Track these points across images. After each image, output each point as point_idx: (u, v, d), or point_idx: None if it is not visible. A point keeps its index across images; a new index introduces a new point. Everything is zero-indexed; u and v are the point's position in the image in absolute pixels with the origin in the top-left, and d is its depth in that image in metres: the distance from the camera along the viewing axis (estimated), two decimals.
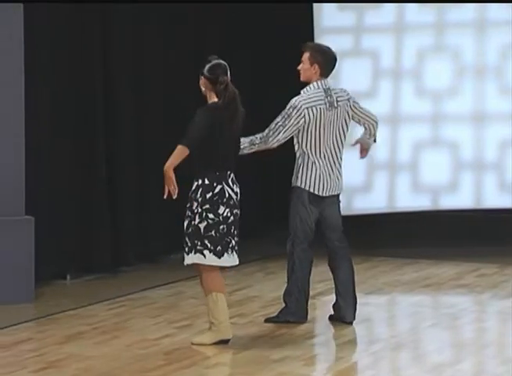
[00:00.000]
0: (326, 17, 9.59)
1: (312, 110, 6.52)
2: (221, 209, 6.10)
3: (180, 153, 6.06)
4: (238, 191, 6.23)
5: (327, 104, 6.58)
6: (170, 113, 9.29)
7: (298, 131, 6.55)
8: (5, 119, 7.51)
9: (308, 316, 7.09)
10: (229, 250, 6.15)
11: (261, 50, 10.26)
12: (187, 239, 6.14)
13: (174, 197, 6.05)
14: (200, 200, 6.09)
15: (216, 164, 6.11)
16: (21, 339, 6.42)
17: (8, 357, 6.02)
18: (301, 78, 6.68)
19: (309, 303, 7.47)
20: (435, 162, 9.55)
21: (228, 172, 6.17)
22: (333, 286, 6.84)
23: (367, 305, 7.44)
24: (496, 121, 9.46)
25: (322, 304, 7.61)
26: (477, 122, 9.48)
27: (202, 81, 6.19)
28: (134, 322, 6.91)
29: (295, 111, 6.49)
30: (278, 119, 6.54)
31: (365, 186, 9.64)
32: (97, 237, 8.63)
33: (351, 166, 9.55)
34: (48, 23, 8.21)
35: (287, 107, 6.53)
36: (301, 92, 6.65)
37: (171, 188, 6.02)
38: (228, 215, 6.13)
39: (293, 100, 6.55)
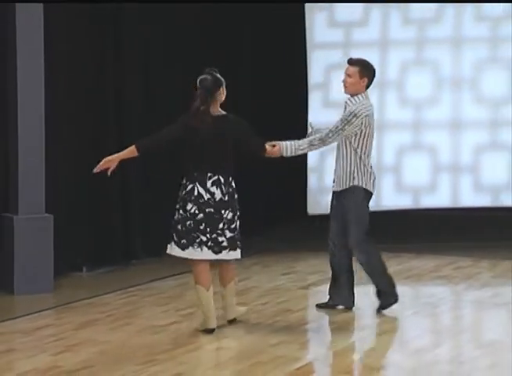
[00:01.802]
0: (317, 33, 9.59)
1: (368, 118, 6.58)
2: (189, 206, 6.12)
3: (130, 151, 6.39)
4: (217, 192, 6.15)
5: (373, 112, 6.69)
6: (178, 113, 9.27)
7: (354, 136, 6.56)
8: (27, 121, 7.46)
9: (302, 305, 7.12)
10: (195, 244, 6.12)
11: (257, 64, 10.25)
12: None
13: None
14: (179, 197, 6.20)
15: (193, 166, 6.16)
16: (41, 325, 6.43)
17: (29, 342, 6.03)
18: (347, 91, 6.65)
19: (302, 293, 7.52)
20: (416, 165, 9.56)
21: (209, 174, 6.14)
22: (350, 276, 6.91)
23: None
24: (471, 128, 9.49)
25: (314, 293, 7.63)
26: (454, 129, 9.50)
27: None
28: (143, 310, 6.92)
29: (355, 118, 6.51)
30: (338, 123, 6.53)
31: None
32: (110, 234, 8.63)
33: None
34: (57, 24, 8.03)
35: (347, 114, 6.52)
36: (352, 101, 6.61)
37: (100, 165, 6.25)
38: (197, 212, 6.11)
39: (355, 108, 6.53)
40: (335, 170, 6.76)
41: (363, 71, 6.63)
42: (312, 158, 9.61)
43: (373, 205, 9.60)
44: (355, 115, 6.51)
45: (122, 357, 5.64)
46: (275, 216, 10.46)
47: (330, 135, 6.53)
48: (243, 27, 10.02)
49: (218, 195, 6.15)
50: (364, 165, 6.64)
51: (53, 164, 7.89)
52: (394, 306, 7.18)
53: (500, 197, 9.47)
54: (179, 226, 6.15)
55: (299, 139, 10.29)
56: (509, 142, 9.38)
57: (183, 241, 6.13)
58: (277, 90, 10.37)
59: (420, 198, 9.60)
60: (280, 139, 10.25)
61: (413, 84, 9.47)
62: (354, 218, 6.64)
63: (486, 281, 7.88)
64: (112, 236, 8.65)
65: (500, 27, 9.37)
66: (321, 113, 9.59)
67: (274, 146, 6.54)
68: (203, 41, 9.49)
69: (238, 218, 6.28)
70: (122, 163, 8.74)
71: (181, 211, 6.16)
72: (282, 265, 8.68)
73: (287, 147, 6.54)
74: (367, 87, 6.69)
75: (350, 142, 6.59)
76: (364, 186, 6.65)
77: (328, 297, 6.91)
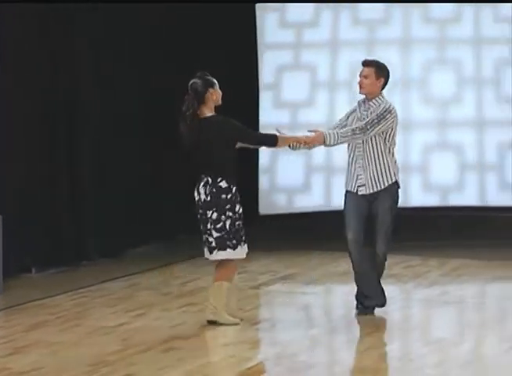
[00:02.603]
0: (268, 34, 9.62)
1: (397, 115, 6.60)
2: (196, 208, 6.35)
3: None
4: (202, 193, 6.27)
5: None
6: (130, 114, 9.25)
7: (386, 133, 6.51)
8: None
9: (253, 304, 7.13)
10: (203, 245, 6.36)
11: (208, 64, 10.22)
12: None
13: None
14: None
15: (196, 170, 6.33)
16: None
17: None
18: (364, 91, 6.58)
19: (253, 293, 7.52)
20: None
21: (202, 176, 6.30)
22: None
23: (306, 294, 7.48)
24: (419, 128, 9.58)
25: (265, 293, 7.64)
26: (405, 130, 9.58)
27: None
28: (94, 311, 6.87)
29: (389, 115, 6.48)
30: (374, 117, 6.45)
31: (303, 186, 9.68)
32: (60, 234, 8.56)
33: (291, 167, 9.67)
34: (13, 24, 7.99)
35: (382, 110, 6.46)
36: (377, 101, 6.54)
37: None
38: (197, 214, 6.35)
39: (388, 106, 6.51)
40: (359, 173, 6.56)
41: (379, 72, 6.57)
42: (264, 159, 9.64)
43: (323, 204, 9.76)
44: (390, 112, 6.48)
45: (72, 359, 5.60)
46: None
47: (369, 127, 6.43)
48: (194, 26, 10.00)
49: (203, 196, 6.27)
50: (395, 161, 6.61)
51: (1, 164, 7.80)
52: (345, 305, 7.25)
53: (449, 197, 9.58)
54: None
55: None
56: (456, 143, 9.48)
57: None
58: (228, 90, 10.35)
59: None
60: None
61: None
62: (390, 218, 6.61)
63: (435, 279, 7.96)
64: (62, 236, 8.57)
65: (447, 29, 9.49)
66: (272, 113, 9.63)
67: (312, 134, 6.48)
68: (155, 41, 9.46)
69: (228, 217, 6.25)
70: (73, 161, 8.78)
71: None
72: None
73: (330, 135, 6.44)
74: (383, 87, 6.61)
75: (383, 140, 6.51)
76: (397, 179, 6.62)
77: (358, 302, 6.76)
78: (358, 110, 6.63)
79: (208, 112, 6.29)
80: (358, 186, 6.58)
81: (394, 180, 6.57)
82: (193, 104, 6.23)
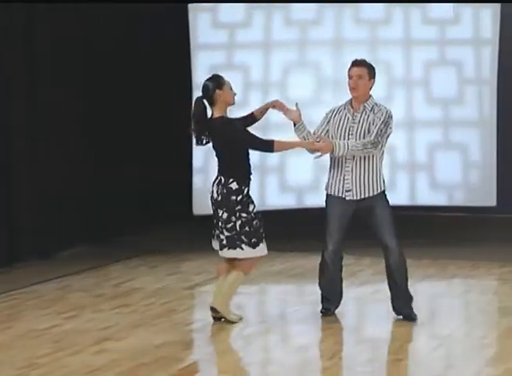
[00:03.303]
0: (200, 34, 9.59)
1: None
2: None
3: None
4: (215, 191, 6.38)
5: None
6: (68, 113, 9.15)
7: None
8: None
9: (187, 305, 7.09)
10: (212, 235, 6.55)
11: (141, 64, 10.17)
12: None
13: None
14: None
15: None
16: None
17: None
18: (357, 93, 6.28)
19: (187, 293, 7.49)
20: (301, 165, 9.63)
21: (218, 174, 6.43)
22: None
23: (240, 294, 7.44)
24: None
25: (200, 294, 7.61)
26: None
27: None
28: (25, 313, 6.77)
29: (391, 120, 6.30)
30: (381, 127, 6.23)
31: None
32: None
33: None
34: None
35: (386, 117, 6.24)
36: (369, 104, 6.30)
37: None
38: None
39: (388, 110, 6.29)
40: (347, 177, 6.33)
41: (371, 72, 6.33)
42: (198, 159, 9.60)
43: (259, 205, 9.75)
44: (391, 117, 6.28)
45: (3, 361, 5.51)
46: (161, 216, 10.41)
47: (380, 139, 6.20)
48: (127, 27, 9.93)
49: (215, 194, 6.36)
50: (381, 167, 6.39)
51: None
52: (279, 304, 7.27)
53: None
54: None
55: (187, 136, 10.29)
56: (388, 144, 9.57)
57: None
58: (161, 90, 10.33)
59: (304, 197, 9.71)
60: (168, 137, 10.33)
61: (296, 85, 9.57)
62: (389, 218, 6.35)
63: (367, 278, 8.03)
64: None
65: (378, 30, 9.57)
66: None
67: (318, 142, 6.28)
68: (85, 41, 9.37)
69: (240, 218, 6.30)
70: (7, 162, 8.63)
71: None
72: (168, 265, 8.64)
73: (340, 146, 6.17)
74: (370, 89, 6.38)
75: (381, 146, 6.30)
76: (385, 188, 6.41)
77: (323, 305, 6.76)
78: (347, 114, 6.33)
79: (218, 113, 6.35)
80: (346, 191, 6.35)
81: (383, 189, 6.37)
82: (200, 106, 6.32)
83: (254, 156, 9.56)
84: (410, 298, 6.50)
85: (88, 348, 5.79)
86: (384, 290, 7.42)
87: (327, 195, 6.49)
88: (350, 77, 6.33)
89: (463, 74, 9.59)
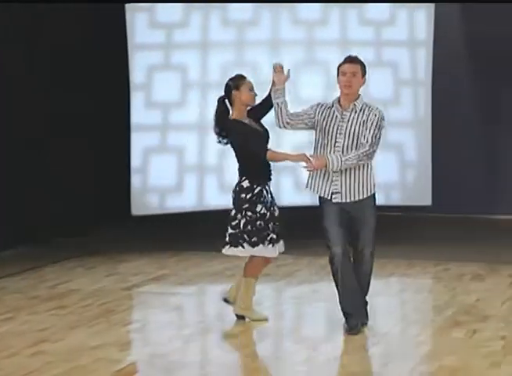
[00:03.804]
0: (138, 34, 9.52)
1: None
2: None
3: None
4: (233, 190, 6.42)
5: None
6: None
7: None
8: None
9: (125, 306, 7.04)
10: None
11: (78, 64, 10.06)
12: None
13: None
14: None
15: None
16: None
17: None
18: (350, 90, 5.97)
19: (125, 294, 7.42)
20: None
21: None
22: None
23: (178, 294, 7.43)
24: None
25: (138, 294, 7.55)
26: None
27: None
28: None
29: (384, 121, 6.05)
30: (375, 132, 5.96)
31: (176, 187, 9.64)
32: None
33: (163, 168, 9.60)
34: None
35: (379, 119, 5.97)
36: (358, 103, 6.02)
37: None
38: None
39: (380, 111, 6.01)
40: (335, 179, 6.04)
41: (363, 69, 6.05)
42: (135, 158, 9.54)
43: (196, 205, 9.75)
44: (383, 118, 6.03)
45: None
46: (98, 217, 10.32)
47: (375, 147, 5.95)
48: (64, 26, 9.82)
49: (232, 193, 6.39)
50: (372, 167, 6.15)
51: None
52: (217, 305, 7.25)
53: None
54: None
55: (122, 135, 10.17)
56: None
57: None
58: (99, 90, 10.23)
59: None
60: (106, 137, 10.23)
61: None
62: (373, 226, 6.13)
63: (305, 278, 8.06)
64: None
65: (315, 30, 9.62)
66: (143, 113, 9.54)
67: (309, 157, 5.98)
68: (26, 40, 9.24)
69: (245, 217, 6.28)
70: None
71: None
72: (105, 266, 8.56)
73: (334, 160, 5.89)
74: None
75: None
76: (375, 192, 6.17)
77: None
78: (336, 112, 6.04)
79: (235, 113, 6.36)
80: (333, 193, 6.07)
81: (373, 192, 6.12)
82: (219, 105, 6.40)
83: (193, 156, 9.64)
84: (365, 305, 6.30)
85: (24, 351, 5.70)
86: (322, 289, 7.48)
87: (320, 197, 6.14)
88: (343, 73, 5.98)
89: (399, 75, 9.69)
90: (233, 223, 6.33)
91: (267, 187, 6.34)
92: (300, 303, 7.20)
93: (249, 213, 6.29)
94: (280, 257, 8.86)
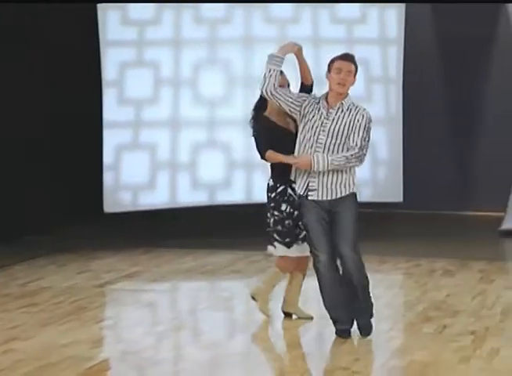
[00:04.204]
0: (110, 31, 9.46)
1: None
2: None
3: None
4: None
5: None
6: None
7: None
8: None
9: (97, 303, 6.98)
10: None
11: (50, 62, 9.98)
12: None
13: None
14: None
15: None
16: None
17: None
18: (344, 89, 5.76)
19: (98, 291, 7.36)
20: (212, 162, 9.62)
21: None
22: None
23: (151, 291, 7.39)
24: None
25: (110, 291, 7.49)
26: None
27: None
28: None
29: (371, 123, 5.84)
30: (363, 135, 5.74)
31: (149, 184, 9.59)
32: None
33: (136, 165, 9.55)
34: None
35: (366, 120, 5.74)
36: (353, 104, 5.82)
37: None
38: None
39: (368, 113, 5.79)
40: (312, 176, 5.78)
41: (357, 70, 5.84)
42: (108, 156, 9.48)
43: (169, 202, 9.70)
44: (371, 120, 5.82)
45: None
46: (70, 214, 10.23)
47: (364, 150, 5.73)
48: (35, 25, 9.74)
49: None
50: (355, 171, 5.91)
51: None
52: (190, 301, 7.22)
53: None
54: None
55: (94, 132, 10.07)
56: (224, 143, 9.58)
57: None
58: (71, 87, 10.16)
59: (215, 194, 9.67)
60: (78, 134, 10.15)
61: (205, 82, 9.53)
62: (354, 226, 5.80)
63: None
64: None
65: (287, 28, 9.61)
66: (116, 110, 9.49)
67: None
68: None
69: (273, 216, 6.18)
70: None
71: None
72: (77, 264, 8.49)
73: (319, 161, 5.68)
74: None
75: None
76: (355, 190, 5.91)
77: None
78: (322, 109, 5.78)
79: (269, 110, 6.18)
80: (309, 190, 5.81)
81: (353, 190, 5.83)
82: (258, 100, 6.19)
83: (165, 153, 9.59)
84: (370, 308, 5.95)
85: None
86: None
87: (299, 196, 5.87)
88: (338, 71, 5.73)
89: (371, 72, 9.69)
90: (268, 222, 6.23)
91: (293, 185, 5.98)
92: (271, 299, 7.16)
93: (275, 212, 6.16)
94: (252, 253, 8.93)
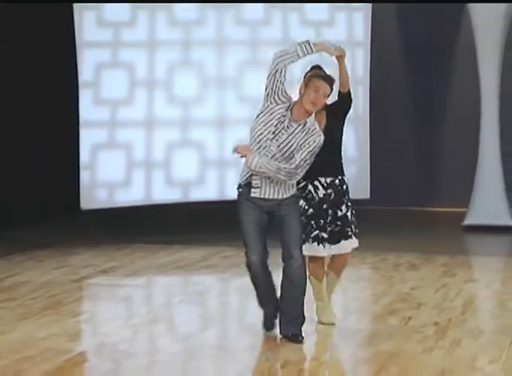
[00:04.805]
0: (86, 32, 9.42)
1: None
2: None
3: None
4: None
5: None
6: None
7: None
8: None
9: (74, 297, 6.96)
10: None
11: (26, 62, 9.92)
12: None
13: None
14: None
15: None
16: None
17: None
18: (314, 110, 5.52)
19: (75, 286, 7.34)
20: (185, 160, 9.62)
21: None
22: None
23: (127, 286, 7.37)
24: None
25: (86, 286, 7.47)
26: (220, 125, 9.64)
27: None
28: None
29: (318, 149, 5.60)
30: (306, 156, 5.50)
31: (124, 182, 9.57)
32: None
33: (112, 163, 9.53)
34: None
35: (316, 145, 5.49)
36: (313, 124, 5.58)
37: None
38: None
39: (321, 139, 5.52)
40: (256, 174, 5.53)
41: (330, 94, 5.60)
42: (84, 154, 9.45)
43: (143, 199, 9.68)
44: (320, 146, 5.52)
45: None
46: (48, 211, 10.19)
47: (299, 170, 5.48)
48: (11, 25, 9.68)
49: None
50: None
51: None
52: (164, 295, 7.22)
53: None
54: None
55: (71, 132, 10.02)
56: (198, 141, 9.59)
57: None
58: (48, 88, 10.11)
59: (189, 192, 9.67)
60: (55, 133, 10.10)
61: (179, 83, 9.53)
62: (301, 229, 5.66)
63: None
64: None
65: (259, 30, 9.62)
66: (92, 110, 9.46)
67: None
68: None
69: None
70: None
71: None
72: (54, 259, 8.45)
73: (254, 161, 5.45)
74: None
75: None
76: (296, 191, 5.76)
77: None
78: (285, 118, 5.50)
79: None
80: (252, 187, 5.56)
81: (294, 192, 5.65)
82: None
83: (140, 151, 9.57)
84: (301, 318, 5.66)
85: None
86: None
87: (239, 191, 5.62)
88: (316, 89, 5.47)
89: (337, 73, 9.69)
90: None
91: (316, 183, 5.77)
92: (245, 294, 7.18)
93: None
94: (225, 249, 8.94)
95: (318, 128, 5.57)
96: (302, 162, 5.47)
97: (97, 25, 9.44)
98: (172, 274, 7.90)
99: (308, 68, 5.81)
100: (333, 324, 5.97)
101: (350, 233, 5.93)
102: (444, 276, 7.64)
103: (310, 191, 5.83)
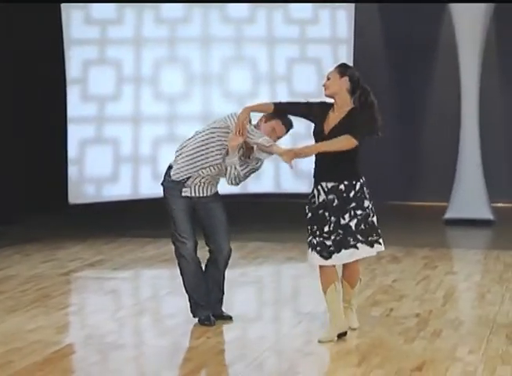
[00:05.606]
0: (73, 30, 9.38)
1: None
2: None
3: (267, 106, 5.67)
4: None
5: None
6: None
7: None
8: None
9: (62, 290, 6.92)
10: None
11: (15, 60, 9.86)
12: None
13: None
14: (368, 196, 5.56)
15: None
16: None
17: None
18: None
19: (62, 279, 7.30)
20: (172, 155, 9.52)
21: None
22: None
23: (114, 279, 7.35)
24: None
25: (74, 279, 7.44)
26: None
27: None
28: None
29: None
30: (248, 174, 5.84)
31: (112, 177, 9.53)
32: None
33: (99, 158, 9.50)
34: None
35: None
36: None
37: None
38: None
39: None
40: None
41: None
42: (72, 150, 9.41)
43: (131, 194, 9.65)
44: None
45: None
46: (36, 205, 10.14)
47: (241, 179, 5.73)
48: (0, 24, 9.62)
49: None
50: None
51: None
52: (151, 287, 7.20)
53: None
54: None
55: (59, 128, 9.95)
56: (184, 135, 9.54)
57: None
58: (36, 84, 10.05)
59: None
60: (43, 128, 10.05)
61: (165, 79, 9.50)
62: (226, 222, 5.80)
63: (235, 262, 7.98)
64: None
65: (244, 28, 9.60)
66: (79, 106, 9.42)
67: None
68: None
69: (355, 216, 5.51)
70: None
71: None
72: (42, 253, 8.42)
73: (231, 159, 5.64)
74: None
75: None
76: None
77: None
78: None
79: None
80: (184, 187, 5.73)
81: (216, 191, 5.83)
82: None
83: (127, 147, 9.54)
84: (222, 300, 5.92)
85: None
86: (249, 273, 7.47)
87: (171, 182, 5.79)
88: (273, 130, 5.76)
89: (323, 71, 9.70)
90: (340, 225, 5.51)
91: (319, 188, 5.52)
92: (228, 286, 7.16)
93: (358, 211, 5.52)
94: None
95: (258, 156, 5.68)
96: (247, 174, 5.73)
97: (84, 23, 9.39)
98: (159, 267, 7.88)
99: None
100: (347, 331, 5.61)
101: (353, 243, 5.49)
102: (425, 268, 7.66)
103: (314, 195, 5.58)
